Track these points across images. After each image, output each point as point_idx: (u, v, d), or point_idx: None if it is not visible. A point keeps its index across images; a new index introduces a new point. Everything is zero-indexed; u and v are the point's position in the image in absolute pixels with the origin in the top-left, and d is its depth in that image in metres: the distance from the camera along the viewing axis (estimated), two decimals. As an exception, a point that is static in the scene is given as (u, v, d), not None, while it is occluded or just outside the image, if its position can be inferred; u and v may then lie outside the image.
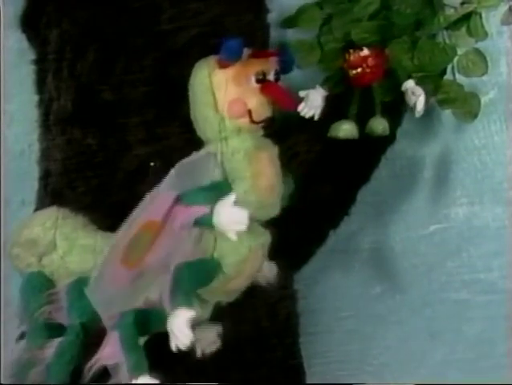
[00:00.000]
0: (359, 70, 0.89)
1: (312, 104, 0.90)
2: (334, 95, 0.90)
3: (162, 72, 0.86)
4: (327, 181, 0.94)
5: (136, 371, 0.78)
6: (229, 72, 0.82)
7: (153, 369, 0.78)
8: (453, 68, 0.93)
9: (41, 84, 0.92)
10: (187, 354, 0.78)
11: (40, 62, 0.92)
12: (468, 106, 0.95)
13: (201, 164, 0.81)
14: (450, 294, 1.06)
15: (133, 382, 0.77)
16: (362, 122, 0.89)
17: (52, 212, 0.87)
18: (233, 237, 0.78)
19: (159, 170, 0.86)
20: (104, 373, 0.80)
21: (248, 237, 0.82)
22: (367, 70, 0.89)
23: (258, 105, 0.83)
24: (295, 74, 0.89)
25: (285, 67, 0.85)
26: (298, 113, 0.90)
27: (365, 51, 0.89)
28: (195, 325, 0.79)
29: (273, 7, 0.93)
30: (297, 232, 0.94)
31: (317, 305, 1.06)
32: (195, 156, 0.82)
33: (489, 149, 1.04)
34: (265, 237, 0.85)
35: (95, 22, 0.86)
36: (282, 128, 0.90)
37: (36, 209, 0.92)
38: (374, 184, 0.98)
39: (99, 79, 0.87)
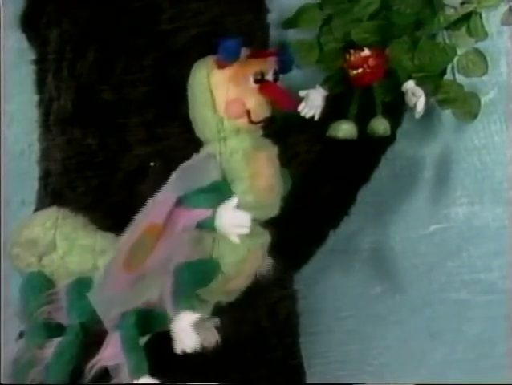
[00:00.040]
0: (359, 70, 0.89)
1: (312, 104, 0.90)
2: (334, 94, 0.90)
3: (162, 72, 0.86)
4: (327, 181, 0.94)
5: (136, 372, 0.78)
6: (228, 72, 0.82)
7: (154, 369, 0.79)
8: (452, 68, 0.93)
9: (41, 84, 0.92)
10: (187, 355, 0.78)
11: (40, 62, 0.92)
12: (468, 106, 0.95)
13: (201, 165, 0.81)
14: (450, 294, 1.06)
15: (134, 382, 0.78)
16: (362, 122, 0.89)
17: (52, 212, 0.87)
18: (235, 240, 0.78)
19: (159, 170, 0.86)
20: (105, 373, 0.80)
21: (247, 238, 0.82)
22: (368, 71, 0.89)
23: (257, 105, 0.83)
24: (295, 74, 0.90)
25: (284, 67, 0.86)
26: (298, 113, 0.90)
27: (366, 52, 0.89)
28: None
29: (273, 7, 0.93)
30: (297, 232, 0.94)
31: (317, 305, 1.06)
32: (195, 158, 0.82)
33: (489, 149, 1.03)
34: (264, 238, 0.85)
35: (95, 22, 0.86)
36: (282, 128, 0.90)
37: (36, 209, 0.92)
38: (374, 184, 0.98)
39: (99, 79, 0.87)
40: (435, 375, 1.07)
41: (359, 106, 0.90)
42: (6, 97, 1.01)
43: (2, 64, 1.00)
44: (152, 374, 0.78)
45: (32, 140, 0.97)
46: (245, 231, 0.78)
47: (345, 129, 0.89)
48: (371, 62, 0.89)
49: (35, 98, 0.93)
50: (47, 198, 0.91)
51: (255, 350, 0.92)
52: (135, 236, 0.79)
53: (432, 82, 0.92)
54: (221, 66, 0.82)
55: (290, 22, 0.94)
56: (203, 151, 0.84)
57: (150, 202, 0.80)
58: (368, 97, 0.89)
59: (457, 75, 0.93)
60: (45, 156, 0.92)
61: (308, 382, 0.98)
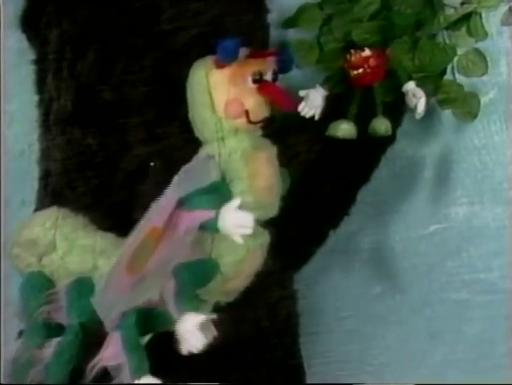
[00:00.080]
0: (360, 70, 0.89)
1: (312, 104, 0.90)
2: (334, 94, 0.90)
3: (162, 72, 0.86)
4: (327, 181, 0.94)
5: (137, 372, 0.78)
6: (226, 72, 0.82)
7: (154, 369, 0.79)
8: (452, 68, 0.93)
9: (41, 84, 0.92)
10: (187, 355, 0.78)
11: (40, 62, 0.92)
12: (468, 106, 0.95)
13: (201, 167, 0.81)
14: (450, 294, 1.06)
15: (135, 382, 0.78)
16: (362, 122, 0.89)
17: (52, 212, 0.87)
18: (238, 240, 0.78)
19: (159, 170, 0.86)
20: (106, 373, 0.80)
21: (246, 238, 0.82)
22: (369, 71, 0.89)
23: (256, 105, 0.83)
24: (295, 74, 0.90)
25: (284, 67, 0.86)
26: (298, 113, 0.90)
27: (366, 52, 0.89)
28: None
29: (273, 7, 0.93)
30: (297, 232, 0.94)
31: (317, 305, 1.06)
32: (195, 160, 0.82)
33: (489, 149, 1.03)
34: (263, 238, 0.85)
35: (95, 22, 0.86)
36: (282, 128, 0.90)
37: (36, 209, 0.92)
38: (374, 184, 0.98)
39: (99, 79, 0.87)
40: (435, 375, 1.07)
41: (359, 106, 0.90)
42: (6, 97, 1.01)
43: (2, 64, 1.00)
44: (153, 374, 0.78)
45: (32, 140, 0.97)
46: (249, 231, 0.78)
47: (344, 129, 0.89)
48: (371, 62, 0.89)
49: (35, 98, 0.93)
50: (47, 198, 0.91)
51: (255, 350, 0.92)
52: (137, 240, 0.79)
53: (433, 82, 0.92)
54: (219, 66, 0.82)
55: (290, 22, 0.94)
56: (202, 152, 0.84)
57: (153, 206, 0.80)
58: (369, 97, 0.89)
59: (457, 75, 0.93)
60: (45, 156, 0.92)
61: (308, 382, 0.98)
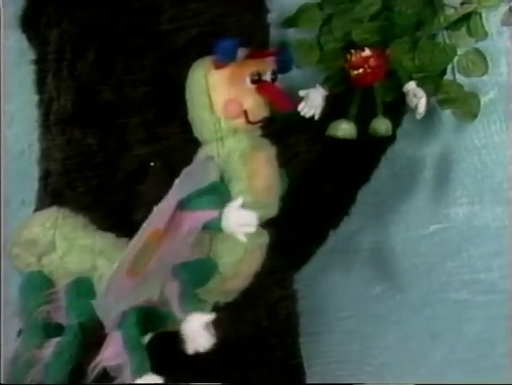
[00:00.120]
0: (360, 70, 0.89)
1: (312, 104, 0.90)
2: (334, 94, 0.90)
3: (162, 72, 0.86)
4: (327, 181, 0.94)
5: (139, 371, 0.78)
6: (225, 73, 0.82)
7: (155, 370, 0.79)
8: (453, 68, 0.93)
9: (41, 84, 0.92)
10: (187, 355, 0.78)
11: (40, 62, 0.92)
12: (468, 106, 0.95)
13: (201, 168, 0.81)
14: (450, 294, 1.06)
15: (137, 381, 0.78)
16: (362, 122, 0.89)
17: (52, 212, 0.87)
18: (242, 238, 0.78)
19: (159, 170, 0.86)
20: (106, 373, 0.80)
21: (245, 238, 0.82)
22: (369, 71, 0.89)
23: (254, 105, 0.83)
24: (295, 74, 0.90)
25: (283, 67, 0.86)
26: (298, 113, 0.90)
27: (367, 52, 0.89)
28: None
29: (273, 7, 0.93)
30: (297, 232, 0.94)
31: (317, 305, 1.06)
32: (195, 162, 0.82)
33: (489, 149, 1.03)
34: (262, 238, 0.85)
35: (95, 22, 0.86)
36: (282, 128, 0.90)
37: (36, 209, 0.92)
38: (374, 184, 0.98)
39: (99, 79, 0.87)
40: (435, 375, 1.07)
41: (359, 106, 0.90)
42: (6, 97, 1.01)
43: (2, 64, 1.00)
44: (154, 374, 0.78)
45: (32, 140, 0.97)
46: (252, 229, 0.78)
47: (344, 129, 0.89)
48: (372, 62, 0.89)
49: (35, 98, 0.93)
50: (47, 198, 0.91)
51: (255, 350, 0.92)
52: (139, 243, 0.79)
53: (433, 82, 0.92)
54: (218, 66, 0.82)
55: (290, 22, 0.94)
56: (201, 152, 0.84)
57: (154, 210, 0.80)
58: (369, 97, 0.89)
59: (457, 75, 0.93)
60: (45, 156, 0.92)
61: (308, 382, 0.98)
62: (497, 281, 1.05)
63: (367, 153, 0.95)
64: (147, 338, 0.82)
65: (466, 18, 0.91)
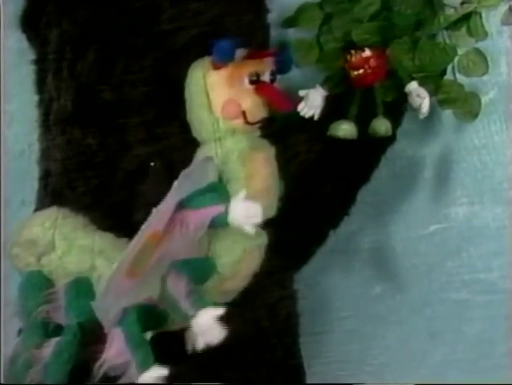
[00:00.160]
0: (360, 71, 0.89)
1: (312, 104, 0.90)
2: (334, 94, 0.90)
3: (162, 72, 0.86)
4: (327, 181, 0.94)
5: (144, 366, 0.79)
6: (223, 73, 0.82)
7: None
8: (453, 68, 0.93)
9: (41, 84, 0.92)
10: (187, 355, 0.78)
11: (40, 62, 0.92)
12: (468, 106, 0.94)
13: (200, 169, 0.82)
14: (450, 294, 1.06)
15: (144, 374, 0.78)
16: (363, 122, 0.89)
17: (52, 212, 0.87)
18: (250, 230, 0.79)
19: (159, 170, 0.86)
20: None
21: (243, 238, 0.82)
22: (369, 72, 0.89)
23: (253, 106, 0.83)
24: (295, 74, 0.89)
25: (282, 68, 0.86)
26: (298, 113, 0.90)
27: (367, 52, 0.89)
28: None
29: (273, 7, 0.93)
30: (297, 232, 0.94)
31: (317, 305, 1.06)
32: (194, 163, 0.82)
33: (489, 149, 1.03)
34: (261, 238, 0.86)
35: (95, 22, 0.86)
36: (282, 128, 0.90)
37: (36, 209, 0.92)
38: (374, 184, 0.98)
39: (99, 79, 0.87)
40: (435, 375, 1.07)
41: (359, 106, 0.90)
42: (6, 97, 1.01)
43: (2, 64, 1.00)
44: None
45: (32, 140, 0.97)
46: (259, 220, 0.78)
47: (345, 129, 0.89)
48: (372, 62, 0.89)
49: (35, 98, 0.93)
50: (47, 198, 0.91)
51: (255, 350, 0.92)
52: (138, 245, 0.79)
53: (433, 82, 0.92)
54: (216, 67, 0.82)
55: (289, 21, 0.94)
56: (200, 153, 0.84)
57: (154, 211, 0.80)
58: (369, 97, 0.89)
59: (457, 75, 0.93)
60: (45, 156, 0.92)
61: (308, 382, 0.98)
62: (497, 281, 1.05)
63: (367, 153, 0.95)
64: (147, 336, 0.82)
65: (466, 17, 0.91)
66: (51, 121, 0.90)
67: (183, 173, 0.81)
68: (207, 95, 0.82)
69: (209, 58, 0.82)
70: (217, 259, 0.83)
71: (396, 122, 0.93)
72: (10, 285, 0.93)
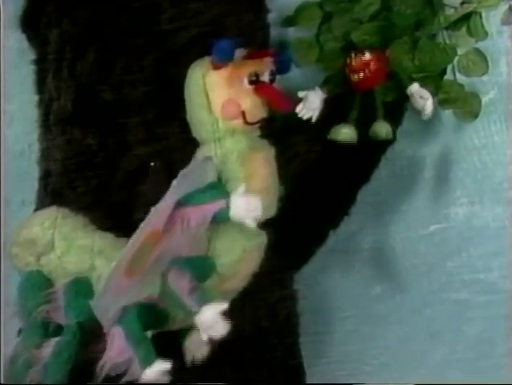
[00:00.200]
0: (361, 75, 0.89)
1: (310, 106, 0.90)
2: (335, 96, 0.90)
3: (162, 72, 0.86)
4: (326, 181, 0.94)
5: (146, 362, 0.79)
6: (223, 74, 0.82)
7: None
8: (453, 68, 0.93)
9: (41, 84, 0.92)
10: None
11: (40, 62, 0.92)
12: (469, 106, 0.94)
13: (199, 169, 0.82)
14: (450, 294, 1.06)
15: (147, 370, 0.78)
16: (363, 125, 0.89)
17: (51, 212, 0.87)
18: (251, 224, 0.79)
19: (159, 170, 0.86)
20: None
21: (242, 238, 0.82)
22: (369, 75, 0.89)
23: (252, 106, 0.83)
24: (294, 75, 0.89)
25: (282, 68, 0.86)
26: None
27: (367, 56, 0.89)
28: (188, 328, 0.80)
29: (273, 7, 0.93)
30: (297, 232, 0.94)
31: (317, 305, 1.06)
32: (193, 163, 0.82)
33: (489, 149, 1.03)
34: (260, 238, 0.86)
35: (95, 22, 0.86)
36: (282, 128, 0.90)
37: (36, 209, 0.92)
38: (374, 184, 0.98)
39: (99, 79, 0.87)
40: (435, 375, 1.07)
41: (359, 109, 0.90)
42: (6, 97, 1.01)
43: (2, 64, 1.00)
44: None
45: (32, 140, 0.97)
46: (259, 214, 0.79)
47: (345, 133, 0.89)
48: (372, 66, 0.89)
49: (35, 98, 0.93)
50: (47, 198, 0.91)
51: (255, 350, 0.92)
52: (136, 244, 0.79)
53: (433, 82, 0.92)
54: (216, 67, 0.82)
55: (289, 20, 0.94)
56: (199, 153, 0.84)
57: (152, 210, 0.80)
58: (369, 100, 0.89)
59: (457, 75, 0.93)
60: (45, 156, 0.92)
61: (308, 382, 0.98)
62: (497, 281, 1.05)
63: (367, 153, 0.95)
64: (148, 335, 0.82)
65: (466, 18, 0.91)
66: (51, 121, 0.90)
67: (181, 173, 0.81)
68: (206, 95, 0.82)
69: (209, 59, 0.82)
70: (217, 259, 0.83)
71: (396, 122, 0.93)
72: (9, 285, 0.93)
